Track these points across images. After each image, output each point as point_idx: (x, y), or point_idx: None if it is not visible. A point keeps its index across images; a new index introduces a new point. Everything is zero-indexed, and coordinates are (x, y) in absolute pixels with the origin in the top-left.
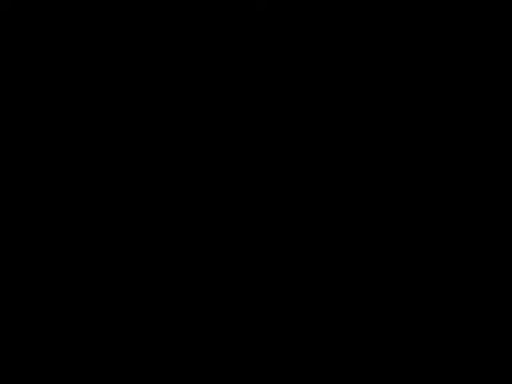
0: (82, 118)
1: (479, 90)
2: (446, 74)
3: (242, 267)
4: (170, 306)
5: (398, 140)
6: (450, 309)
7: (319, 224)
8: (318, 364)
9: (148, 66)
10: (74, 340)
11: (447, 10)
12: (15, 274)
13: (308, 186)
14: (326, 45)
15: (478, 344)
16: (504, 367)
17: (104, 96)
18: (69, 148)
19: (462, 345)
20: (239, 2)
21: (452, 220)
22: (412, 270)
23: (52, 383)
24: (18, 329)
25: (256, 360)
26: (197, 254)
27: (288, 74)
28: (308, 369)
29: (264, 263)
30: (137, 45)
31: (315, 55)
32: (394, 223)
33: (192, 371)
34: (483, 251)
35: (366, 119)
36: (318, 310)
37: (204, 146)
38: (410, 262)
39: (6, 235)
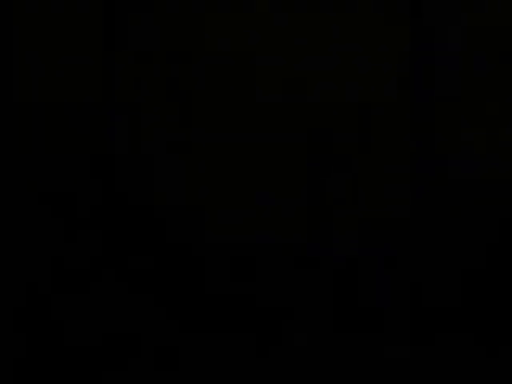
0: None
1: None
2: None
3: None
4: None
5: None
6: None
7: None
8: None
9: (148, 66)
10: (74, 340)
11: None
12: (15, 273)
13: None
14: (325, 44)
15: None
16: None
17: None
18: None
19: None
20: (239, 1)
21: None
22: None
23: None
24: (18, 329)
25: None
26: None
27: (287, 74)
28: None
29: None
30: (137, 44)
31: (315, 55)
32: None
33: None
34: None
35: (364, 119)
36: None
37: (203, 145)
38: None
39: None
